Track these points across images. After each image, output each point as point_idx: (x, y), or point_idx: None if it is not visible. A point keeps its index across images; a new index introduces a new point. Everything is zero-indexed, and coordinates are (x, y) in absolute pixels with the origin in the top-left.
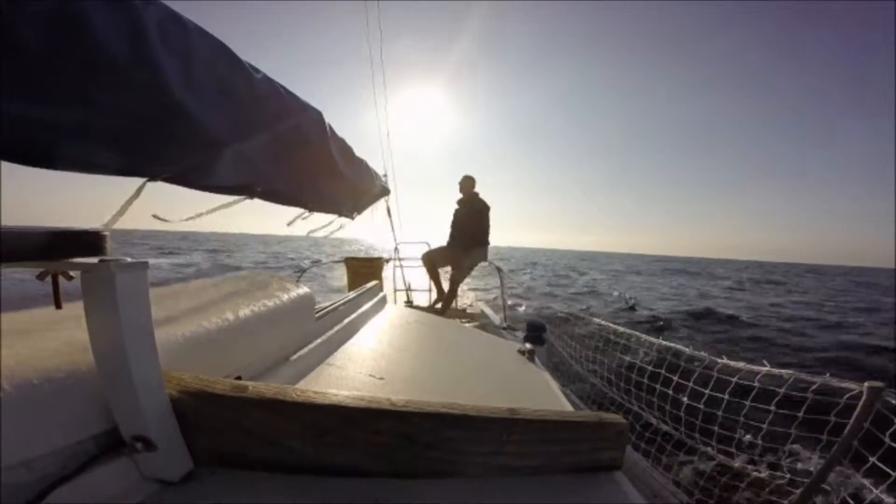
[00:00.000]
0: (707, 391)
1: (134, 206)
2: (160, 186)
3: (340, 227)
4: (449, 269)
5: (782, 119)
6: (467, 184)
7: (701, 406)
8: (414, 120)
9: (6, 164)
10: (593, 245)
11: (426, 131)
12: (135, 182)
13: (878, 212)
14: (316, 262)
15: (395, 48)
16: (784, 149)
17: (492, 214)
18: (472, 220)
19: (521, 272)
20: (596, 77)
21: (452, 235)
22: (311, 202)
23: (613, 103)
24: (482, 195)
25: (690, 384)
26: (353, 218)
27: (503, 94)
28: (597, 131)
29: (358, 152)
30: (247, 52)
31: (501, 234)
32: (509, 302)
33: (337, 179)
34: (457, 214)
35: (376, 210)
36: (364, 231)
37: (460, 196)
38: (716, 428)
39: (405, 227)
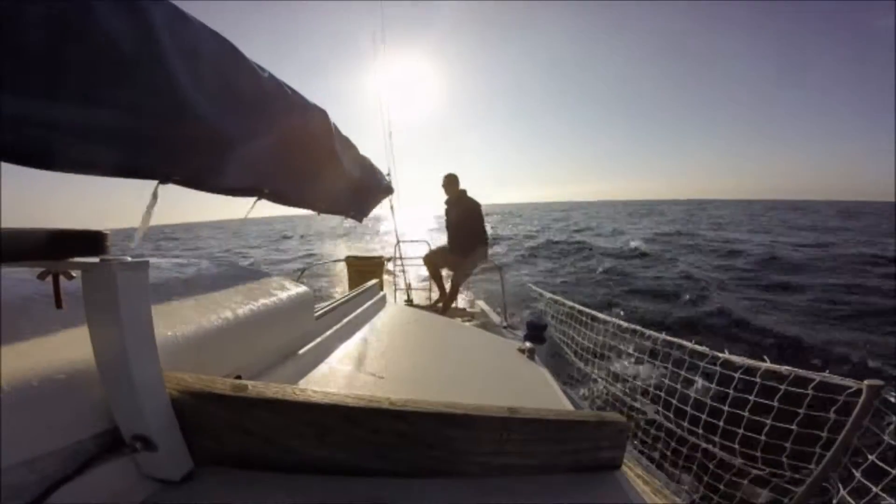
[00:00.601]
0: (713, 385)
1: (133, 207)
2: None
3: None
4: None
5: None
6: (452, 183)
7: (707, 400)
8: (405, 92)
9: (7, 165)
10: (576, 195)
11: (416, 101)
12: (139, 185)
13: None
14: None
15: (388, 24)
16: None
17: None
18: (466, 222)
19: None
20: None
21: (451, 238)
22: (318, 202)
23: (593, 53)
24: (471, 181)
25: (697, 379)
26: (360, 220)
27: (486, 55)
28: (576, 82)
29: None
30: (244, 43)
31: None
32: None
33: (342, 178)
34: (449, 216)
35: (382, 207)
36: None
37: (447, 197)
38: (720, 424)
39: (402, 203)
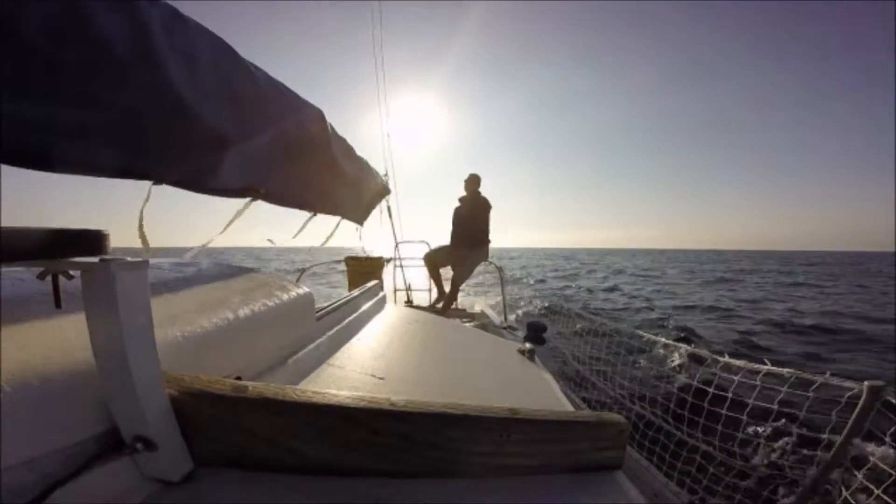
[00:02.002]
0: (711, 389)
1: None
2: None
3: (358, 230)
4: (451, 268)
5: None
6: (472, 182)
7: (705, 405)
8: (408, 128)
9: (7, 165)
10: (577, 242)
11: (419, 140)
12: (137, 187)
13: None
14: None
15: (391, 56)
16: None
17: (492, 214)
18: (472, 219)
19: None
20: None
21: (454, 235)
22: (315, 202)
23: (601, 103)
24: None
25: (694, 382)
26: (361, 224)
27: (491, 97)
28: (578, 132)
29: (358, 153)
30: (247, 48)
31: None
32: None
33: (339, 178)
34: (457, 213)
35: (381, 210)
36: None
37: (463, 194)
38: (719, 427)
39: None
